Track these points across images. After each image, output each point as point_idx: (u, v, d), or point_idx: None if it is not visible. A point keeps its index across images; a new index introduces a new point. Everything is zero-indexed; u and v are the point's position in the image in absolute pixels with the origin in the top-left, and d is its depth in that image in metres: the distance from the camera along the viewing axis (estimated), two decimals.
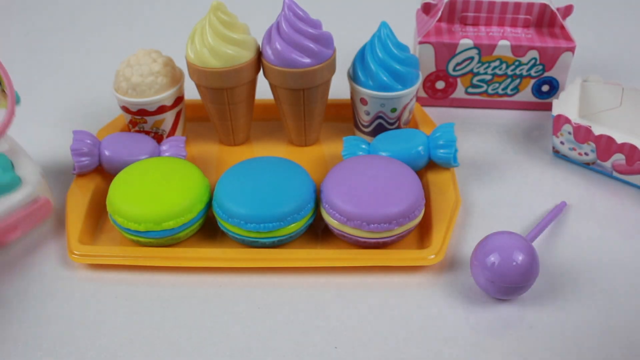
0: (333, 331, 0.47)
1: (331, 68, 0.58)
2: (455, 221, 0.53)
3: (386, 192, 0.50)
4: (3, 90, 0.46)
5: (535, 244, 0.52)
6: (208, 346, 0.46)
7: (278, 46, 0.55)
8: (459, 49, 0.65)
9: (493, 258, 0.46)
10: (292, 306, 0.49)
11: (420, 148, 0.56)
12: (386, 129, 0.61)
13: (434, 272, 0.51)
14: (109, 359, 0.45)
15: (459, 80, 0.68)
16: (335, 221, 0.50)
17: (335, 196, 0.50)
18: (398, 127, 0.62)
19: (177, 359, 0.45)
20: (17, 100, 0.50)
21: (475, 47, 0.65)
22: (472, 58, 0.66)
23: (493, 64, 0.66)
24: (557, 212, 0.55)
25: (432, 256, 0.50)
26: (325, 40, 0.56)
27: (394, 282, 0.50)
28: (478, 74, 0.67)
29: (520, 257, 0.46)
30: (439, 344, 0.45)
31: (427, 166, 0.58)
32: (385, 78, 0.57)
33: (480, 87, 0.68)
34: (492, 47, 0.65)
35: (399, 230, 0.50)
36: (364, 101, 0.60)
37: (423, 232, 0.54)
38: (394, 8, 0.88)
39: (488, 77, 0.67)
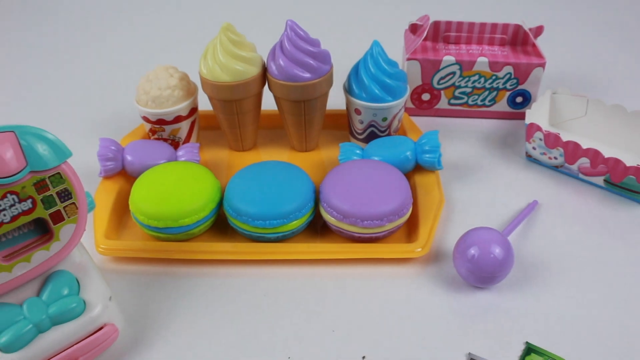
0: (331, 316, 0.46)
1: (329, 82, 0.58)
2: (440, 218, 0.53)
3: (378, 193, 0.50)
4: (74, 203, 0.40)
5: (510, 238, 0.52)
6: (220, 328, 0.46)
7: (281, 62, 0.55)
8: (442, 65, 0.65)
9: (473, 251, 0.46)
10: (294, 294, 0.48)
11: (408, 153, 0.56)
12: (378, 136, 0.61)
13: (420, 264, 0.50)
14: (130, 339, 0.45)
15: (442, 92, 0.68)
16: (333, 218, 0.50)
17: (332, 196, 0.50)
18: (388, 135, 0.61)
19: (191, 339, 0.45)
20: (90, 206, 0.42)
21: (457, 63, 0.65)
22: (454, 73, 0.66)
23: (473, 78, 0.66)
24: (530, 209, 0.55)
25: (419, 249, 0.49)
26: (324, 57, 0.56)
27: (385, 273, 0.50)
28: (459, 87, 0.67)
29: (497, 250, 0.46)
30: (425, 326, 0.45)
31: (414, 169, 0.58)
32: (377, 91, 0.57)
33: (462, 98, 0.68)
34: (472, 63, 0.65)
35: (389, 227, 0.50)
36: (358, 111, 0.59)
37: (411, 228, 0.53)
38: (385, 28, 0.87)
39: (468, 90, 0.67)
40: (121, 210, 0.56)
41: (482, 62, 0.65)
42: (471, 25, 0.67)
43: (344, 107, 0.63)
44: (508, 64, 0.64)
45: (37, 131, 0.37)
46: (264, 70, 0.58)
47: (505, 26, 0.66)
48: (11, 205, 0.37)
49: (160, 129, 0.60)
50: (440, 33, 0.68)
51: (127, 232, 0.54)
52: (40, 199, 0.38)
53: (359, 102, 0.58)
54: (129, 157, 0.56)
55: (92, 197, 0.41)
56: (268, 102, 0.61)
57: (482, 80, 0.66)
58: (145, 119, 0.60)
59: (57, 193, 0.39)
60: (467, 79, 0.66)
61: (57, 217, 0.39)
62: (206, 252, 0.50)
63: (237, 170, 0.54)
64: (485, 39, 0.67)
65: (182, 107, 0.59)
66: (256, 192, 0.51)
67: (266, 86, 0.59)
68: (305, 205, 0.51)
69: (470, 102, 0.68)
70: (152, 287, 0.49)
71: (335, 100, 0.64)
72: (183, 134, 0.61)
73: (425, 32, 0.66)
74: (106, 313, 0.42)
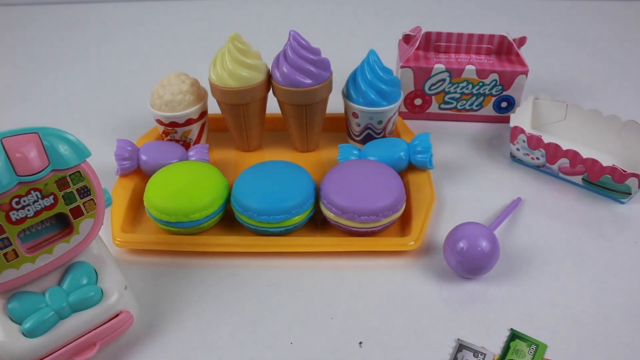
0: (330, 304, 0.46)
1: (329, 87, 0.58)
2: (431, 214, 0.53)
3: (374, 190, 0.50)
4: (93, 200, 0.40)
5: (496, 232, 0.51)
6: (227, 316, 0.46)
7: (285, 70, 0.55)
8: (433, 72, 0.65)
9: (462, 244, 0.46)
10: (296, 284, 0.48)
11: (402, 153, 0.56)
12: (374, 138, 0.61)
13: (413, 256, 0.50)
14: (144, 325, 0.45)
15: (433, 98, 0.68)
16: (332, 214, 0.50)
17: (332, 193, 0.50)
18: (384, 136, 0.61)
19: (199, 326, 0.45)
20: (108, 202, 0.42)
21: (447, 70, 0.65)
22: (444, 80, 0.66)
23: (461, 85, 0.66)
24: (514, 206, 0.55)
25: (412, 242, 0.49)
26: (324, 65, 0.56)
27: (380, 264, 0.50)
28: (449, 92, 0.67)
29: (484, 243, 0.46)
30: (418, 314, 0.45)
31: (408, 168, 0.57)
32: (373, 96, 0.57)
33: (451, 103, 0.68)
34: (461, 70, 0.65)
35: (384, 221, 0.50)
36: (355, 115, 0.59)
37: (404, 223, 0.53)
38: (380, 38, 0.87)
39: (457, 95, 0.67)
40: (136, 205, 0.56)
41: (470, 70, 0.65)
42: (460, 35, 0.67)
43: (343, 111, 0.62)
44: (494, 71, 0.64)
45: (58, 132, 0.37)
46: (269, 76, 0.58)
47: (491, 37, 0.66)
48: (35, 201, 0.37)
49: (173, 131, 0.60)
50: (431, 43, 0.68)
51: (141, 226, 0.54)
52: (62, 195, 0.38)
53: (356, 107, 0.58)
54: (143, 157, 0.56)
55: (110, 194, 0.41)
56: (273, 106, 0.61)
57: (470, 86, 0.66)
58: (159, 122, 0.60)
59: (77, 190, 0.39)
60: (456, 85, 0.66)
61: (77, 212, 0.39)
62: (214, 245, 0.50)
63: (244, 169, 0.54)
64: (473, 49, 0.67)
65: (192, 110, 0.58)
66: (261, 189, 0.51)
67: (271, 92, 0.59)
68: (307, 201, 0.50)
69: (459, 107, 0.68)
70: (165, 277, 0.49)
71: (334, 104, 0.64)
72: (194, 135, 0.61)
73: (418, 42, 0.66)
74: (122, 301, 0.42)
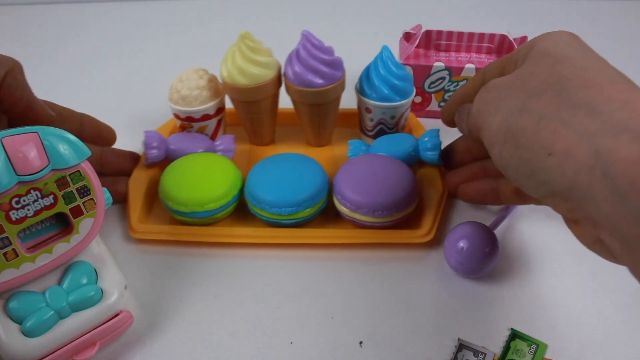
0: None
1: (341, 87, 0.58)
2: (442, 208, 0.53)
3: (388, 185, 0.50)
4: (92, 199, 0.40)
5: (496, 232, 0.51)
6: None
7: (297, 70, 0.55)
8: (433, 70, 0.65)
9: (462, 243, 0.46)
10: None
11: (411, 149, 0.56)
12: (386, 133, 0.61)
13: (413, 256, 0.50)
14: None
15: (433, 95, 0.68)
16: (346, 209, 0.50)
17: (346, 189, 0.50)
18: (396, 131, 0.61)
19: (199, 325, 0.45)
20: (108, 202, 0.41)
21: (446, 68, 0.65)
22: (443, 78, 0.66)
23: (461, 83, 0.66)
24: (514, 205, 0.55)
25: (424, 235, 0.50)
26: (337, 65, 0.56)
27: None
28: (449, 91, 0.67)
29: (484, 243, 0.46)
30: (418, 313, 0.45)
31: (418, 163, 0.58)
32: (386, 91, 0.57)
33: None
34: (460, 69, 0.65)
35: (398, 215, 0.50)
36: (368, 110, 0.59)
37: (416, 217, 0.53)
38: (382, 36, 0.88)
39: None
40: (151, 197, 0.56)
41: (469, 69, 0.64)
42: (460, 34, 0.67)
43: (355, 107, 0.63)
44: None
45: (58, 132, 0.37)
46: (279, 73, 0.58)
47: (492, 36, 0.66)
48: (34, 201, 0.37)
49: (189, 126, 0.60)
50: (432, 41, 0.68)
51: (156, 218, 0.55)
52: (61, 194, 0.38)
53: (369, 102, 0.58)
54: (172, 146, 0.57)
55: (110, 193, 0.41)
56: (286, 101, 0.61)
57: None
58: (176, 116, 0.60)
59: (77, 189, 0.39)
60: (455, 83, 0.66)
61: (77, 212, 0.39)
62: (228, 236, 0.51)
63: (256, 162, 0.55)
64: (473, 48, 0.67)
65: (209, 106, 0.59)
66: (274, 181, 0.51)
67: (283, 87, 0.59)
68: (319, 194, 0.51)
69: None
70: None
71: (347, 100, 0.64)
72: (210, 131, 0.62)
73: (417, 40, 0.66)
74: (122, 301, 0.42)
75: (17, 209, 0.36)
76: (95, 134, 0.55)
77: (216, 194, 0.51)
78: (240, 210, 0.55)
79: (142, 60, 0.86)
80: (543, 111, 0.33)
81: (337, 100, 0.59)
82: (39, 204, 0.37)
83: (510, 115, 0.35)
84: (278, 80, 0.58)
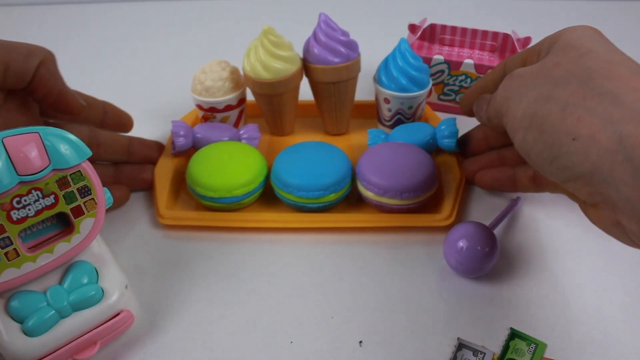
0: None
1: (357, 67, 0.59)
2: (461, 193, 0.55)
3: (411, 169, 0.52)
4: (93, 199, 0.40)
5: (496, 231, 0.52)
6: (227, 315, 0.46)
7: (315, 50, 0.57)
8: (432, 62, 0.66)
9: (461, 243, 0.46)
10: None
11: (429, 137, 0.57)
12: (404, 123, 0.62)
13: (411, 254, 0.51)
14: (144, 324, 0.45)
15: (433, 88, 0.69)
16: (372, 194, 0.52)
17: (372, 175, 0.51)
18: (413, 121, 0.62)
19: (200, 325, 0.45)
20: (108, 202, 0.41)
21: (446, 62, 0.66)
22: (442, 71, 0.67)
23: (460, 78, 0.67)
24: (514, 205, 0.55)
25: (445, 219, 0.51)
26: (352, 46, 0.58)
27: (382, 262, 0.50)
28: (448, 84, 0.68)
29: (483, 243, 0.46)
30: (417, 313, 0.46)
31: (435, 151, 0.59)
32: (404, 82, 0.58)
33: (450, 95, 0.69)
34: (459, 63, 0.65)
35: (424, 196, 0.51)
36: (387, 100, 0.60)
37: (436, 202, 0.55)
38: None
39: (456, 88, 0.68)
40: (177, 184, 0.58)
41: (468, 64, 0.65)
42: (464, 30, 0.68)
43: (373, 98, 0.64)
44: (492, 67, 0.64)
45: (59, 132, 0.37)
46: (301, 67, 0.59)
47: (496, 34, 0.67)
48: (35, 201, 0.37)
49: (212, 116, 0.62)
50: (436, 35, 0.69)
51: (182, 204, 0.56)
52: (62, 194, 0.38)
53: (388, 92, 0.59)
54: (198, 135, 0.58)
55: (110, 193, 0.41)
56: (304, 92, 0.62)
57: (469, 80, 0.67)
58: (199, 107, 0.61)
59: (78, 189, 0.39)
60: (454, 77, 0.67)
61: (78, 212, 0.39)
62: (255, 221, 0.53)
63: (278, 152, 0.56)
64: (476, 44, 0.68)
65: (231, 97, 0.60)
66: (300, 166, 0.53)
67: (303, 80, 0.60)
68: (343, 180, 0.53)
69: (457, 100, 0.69)
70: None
71: (364, 92, 0.65)
72: (232, 121, 0.63)
73: (420, 32, 0.67)
74: (123, 300, 0.42)
75: (18, 209, 0.36)
76: (116, 121, 0.56)
77: (244, 179, 0.52)
78: (266, 195, 0.56)
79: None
80: (568, 99, 0.35)
81: (354, 80, 0.60)
82: (40, 203, 0.37)
83: (536, 103, 0.36)
84: (299, 73, 0.59)
